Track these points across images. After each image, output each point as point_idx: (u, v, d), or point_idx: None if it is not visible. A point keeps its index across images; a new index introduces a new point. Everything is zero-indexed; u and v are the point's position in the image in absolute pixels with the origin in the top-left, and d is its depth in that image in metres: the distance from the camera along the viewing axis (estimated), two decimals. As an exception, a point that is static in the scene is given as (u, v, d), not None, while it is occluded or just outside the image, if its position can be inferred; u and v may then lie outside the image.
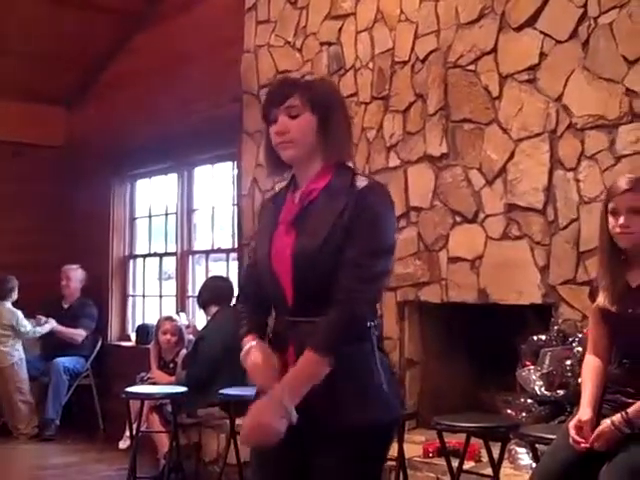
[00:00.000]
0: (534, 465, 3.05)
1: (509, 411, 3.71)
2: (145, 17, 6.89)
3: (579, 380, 3.08)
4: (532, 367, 3.68)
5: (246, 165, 5.64)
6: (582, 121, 3.77)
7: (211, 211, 6.62)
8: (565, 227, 3.83)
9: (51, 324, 6.84)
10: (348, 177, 2.05)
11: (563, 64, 3.85)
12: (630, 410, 2.57)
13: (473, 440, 3.49)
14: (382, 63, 4.72)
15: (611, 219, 2.69)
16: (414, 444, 4.08)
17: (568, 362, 3.52)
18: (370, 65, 4.80)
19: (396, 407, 2.05)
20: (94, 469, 5.55)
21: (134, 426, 4.74)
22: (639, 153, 3.55)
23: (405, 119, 4.59)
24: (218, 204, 6.54)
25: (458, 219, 4.31)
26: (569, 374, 3.48)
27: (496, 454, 3.33)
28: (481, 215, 4.20)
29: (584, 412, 2.64)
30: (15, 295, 6.80)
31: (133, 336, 6.98)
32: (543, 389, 3.58)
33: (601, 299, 2.72)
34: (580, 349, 3.42)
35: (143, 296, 7.43)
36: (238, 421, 4.39)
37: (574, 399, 3.23)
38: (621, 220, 2.65)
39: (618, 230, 2.66)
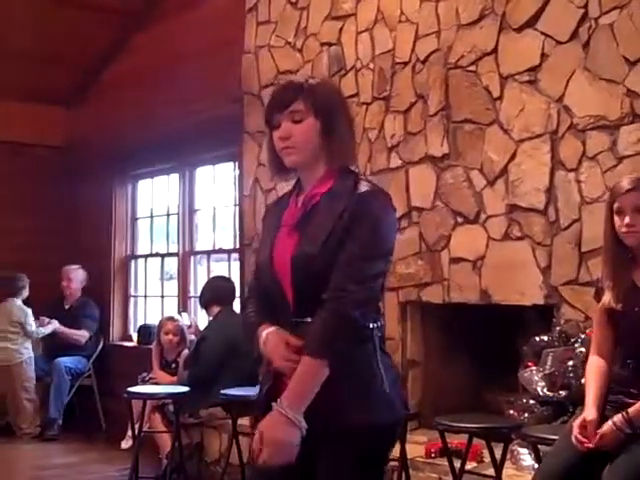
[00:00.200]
0: (536, 466, 3.05)
1: (511, 412, 3.71)
2: (145, 17, 6.89)
3: (581, 381, 3.10)
4: (534, 368, 3.68)
5: (247, 165, 5.64)
6: (583, 122, 3.77)
7: (213, 211, 6.62)
8: (567, 228, 3.83)
9: (54, 325, 6.85)
10: (351, 181, 2.06)
11: (564, 65, 3.86)
12: (631, 410, 2.58)
13: (475, 440, 3.50)
14: (383, 64, 4.73)
15: (617, 219, 2.71)
16: (416, 444, 4.08)
17: (570, 363, 3.52)
18: (371, 66, 4.80)
19: (398, 408, 2.05)
20: (96, 469, 5.55)
21: (136, 426, 4.75)
22: (640, 154, 3.56)
23: (406, 120, 4.59)
24: (220, 204, 6.55)
25: (460, 220, 4.31)
26: (571, 375, 3.49)
27: (498, 455, 3.33)
28: (482, 216, 4.20)
29: (589, 412, 2.64)
30: (26, 293, 6.84)
31: (135, 336, 6.99)
32: (545, 390, 3.58)
33: (606, 299, 2.73)
34: (582, 350, 3.43)
35: (145, 296, 7.44)
36: (240, 421, 4.40)
37: (576, 400, 3.24)
38: (627, 220, 2.67)
39: (624, 230, 2.68)
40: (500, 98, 4.13)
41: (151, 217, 7.40)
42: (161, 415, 5.12)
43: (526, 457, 3.51)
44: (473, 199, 4.24)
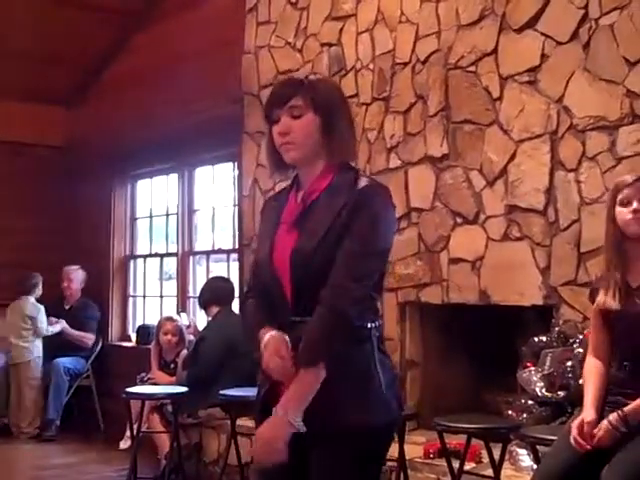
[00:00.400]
0: (535, 466, 3.05)
1: (510, 412, 3.71)
2: (145, 17, 6.89)
3: (580, 381, 3.09)
4: (533, 368, 3.68)
5: (247, 165, 5.64)
6: (583, 122, 3.77)
7: (212, 212, 6.62)
8: (566, 228, 3.83)
9: (61, 325, 6.88)
10: (351, 177, 2.05)
11: (564, 65, 3.86)
12: (627, 409, 2.58)
13: (474, 441, 3.49)
14: (383, 64, 4.73)
15: (621, 210, 2.72)
16: (415, 445, 4.08)
17: (569, 363, 3.52)
18: (371, 66, 4.80)
19: (395, 409, 2.04)
20: (94, 469, 5.55)
21: (135, 426, 4.74)
22: (640, 154, 3.56)
23: (406, 120, 4.59)
24: (219, 204, 6.55)
25: (459, 220, 4.31)
26: (570, 375, 3.49)
27: (497, 455, 3.33)
28: (482, 216, 4.20)
29: (588, 413, 2.64)
30: (39, 291, 6.89)
31: (134, 336, 6.99)
32: (544, 390, 3.58)
33: (602, 300, 2.73)
34: (581, 350, 3.42)
35: (144, 296, 7.44)
36: (239, 422, 4.39)
37: (575, 400, 3.24)
38: (634, 205, 2.69)
39: (630, 217, 2.69)
40: (500, 99, 4.13)
41: (150, 217, 7.40)
42: (160, 415, 5.12)
43: (525, 458, 3.51)
44: (472, 199, 4.24)
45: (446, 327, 4.64)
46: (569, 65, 3.83)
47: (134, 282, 7.47)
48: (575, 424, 2.64)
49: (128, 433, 5.22)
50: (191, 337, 5.69)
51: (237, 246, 6.05)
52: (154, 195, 7.35)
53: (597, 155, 3.71)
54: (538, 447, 3.07)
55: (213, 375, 4.92)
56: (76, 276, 7.19)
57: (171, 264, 7.10)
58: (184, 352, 5.47)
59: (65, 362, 6.78)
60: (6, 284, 6.92)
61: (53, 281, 7.08)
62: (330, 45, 5.08)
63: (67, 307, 7.15)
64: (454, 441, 3.67)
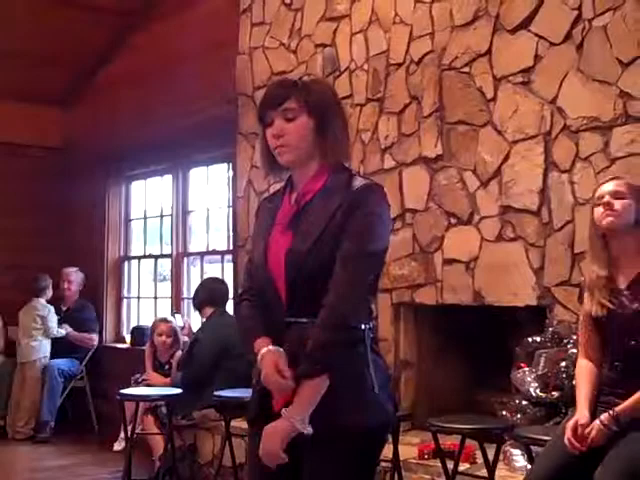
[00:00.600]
0: (529, 467, 3.05)
1: (504, 412, 3.71)
2: (140, 18, 6.88)
3: (574, 382, 3.09)
4: (527, 369, 3.68)
5: (241, 167, 5.64)
6: (577, 123, 3.78)
7: (206, 213, 6.62)
8: (560, 229, 3.83)
9: (67, 329, 6.91)
10: (345, 177, 2.05)
11: (557, 66, 3.86)
12: (618, 408, 2.59)
13: (468, 441, 3.49)
14: (377, 65, 4.73)
15: (597, 209, 2.75)
16: (409, 445, 4.09)
17: (563, 364, 3.52)
18: (365, 67, 4.81)
19: (388, 410, 2.04)
20: (89, 471, 5.54)
21: (129, 428, 4.73)
22: (633, 155, 3.56)
23: (400, 121, 4.59)
24: (213, 206, 6.54)
25: (453, 221, 4.31)
26: (564, 376, 3.49)
27: (491, 456, 3.33)
28: (476, 217, 4.20)
29: (582, 414, 2.65)
30: (49, 292, 6.98)
31: (128, 338, 6.99)
32: (538, 391, 3.58)
33: (590, 302, 2.74)
34: (575, 351, 3.42)
35: (138, 298, 7.43)
36: (233, 423, 4.39)
37: (569, 400, 3.24)
38: (606, 199, 2.72)
39: (601, 211, 2.72)
40: (494, 99, 4.14)
41: (144, 218, 7.39)
42: (154, 417, 5.11)
43: (519, 458, 3.51)
44: (466, 200, 4.25)
45: (440, 328, 4.64)
46: (563, 66, 3.84)
47: (128, 283, 7.47)
48: (569, 425, 2.64)
49: (122, 435, 5.22)
50: (185, 338, 5.69)
51: (231, 247, 6.05)
52: (148, 196, 7.35)
53: (591, 156, 3.72)
54: (532, 447, 3.07)
55: (207, 376, 4.91)
56: (76, 278, 7.22)
57: (165, 265, 7.10)
58: (178, 353, 5.47)
59: (59, 363, 6.77)
60: (-1, 285, 6.95)
61: (48, 283, 7.09)
62: (324, 46, 5.08)
63: (64, 308, 7.15)
64: (448, 442, 3.67)
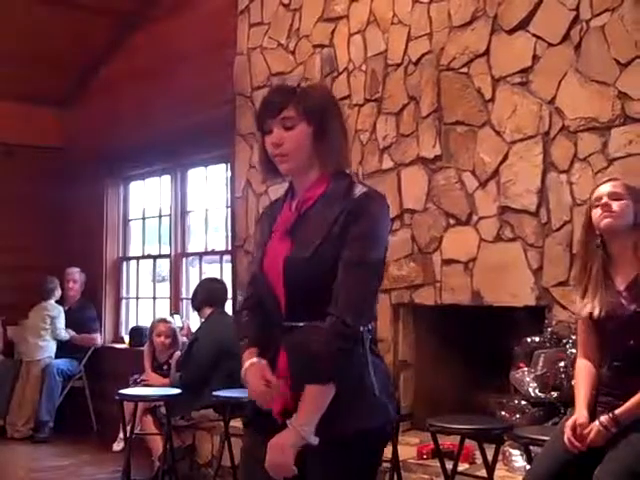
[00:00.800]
0: (528, 467, 3.06)
1: (503, 413, 3.72)
2: (139, 19, 6.88)
3: (573, 382, 3.10)
4: (526, 369, 3.69)
5: (239, 167, 5.64)
6: (575, 123, 3.78)
7: (205, 213, 6.62)
8: (558, 229, 3.84)
9: (70, 332, 6.93)
10: (345, 184, 2.05)
11: (556, 67, 3.87)
12: (618, 411, 2.59)
13: (467, 442, 3.50)
14: (375, 65, 4.73)
15: (594, 210, 2.76)
16: (408, 446, 4.09)
17: (562, 364, 3.53)
18: (363, 67, 4.81)
19: (388, 412, 2.03)
20: (88, 472, 5.54)
21: (128, 428, 4.73)
22: (631, 155, 3.57)
23: (398, 121, 4.60)
24: (212, 206, 6.54)
25: (452, 221, 4.32)
26: (563, 376, 3.50)
27: (490, 456, 3.33)
28: (474, 217, 4.21)
29: (580, 414, 2.65)
30: (58, 293, 7.03)
31: (127, 338, 6.98)
32: (537, 391, 3.59)
33: (587, 305, 2.74)
34: (573, 351, 3.43)
35: (137, 298, 7.43)
36: (232, 423, 4.39)
37: (568, 401, 3.24)
38: (604, 200, 2.72)
39: (599, 212, 2.72)
40: (492, 100, 4.14)
41: (143, 219, 7.39)
42: (153, 417, 5.12)
43: (518, 458, 3.52)
44: (465, 201, 4.25)
45: (439, 328, 4.64)
46: (561, 66, 3.84)
47: (127, 284, 7.47)
48: (568, 425, 2.65)
49: (121, 435, 5.22)
50: (184, 339, 5.69)
51: (230, 247, 6.05)
52: (147, 196, 7.34)
53: (589, 156, 3.73)
54: (531, 448, 3.08)
55: (206, 376, 4.91)
56: (80, 277, 7.24)
57: (164, 266, 7.10)
58: (177, 354, 5.47)
59: (58, 363, 6.78)
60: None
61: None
62: (322, 46, 5.08)
63: (66, 308, 7.15)
64: (447, 442, 3.67)
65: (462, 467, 3.59)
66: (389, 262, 4.45)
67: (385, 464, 3.60)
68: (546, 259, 3.88)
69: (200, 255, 6.72)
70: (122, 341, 7.15)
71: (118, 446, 5.70)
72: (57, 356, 6.82)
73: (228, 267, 6.12)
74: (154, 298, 7.16)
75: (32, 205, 7.58)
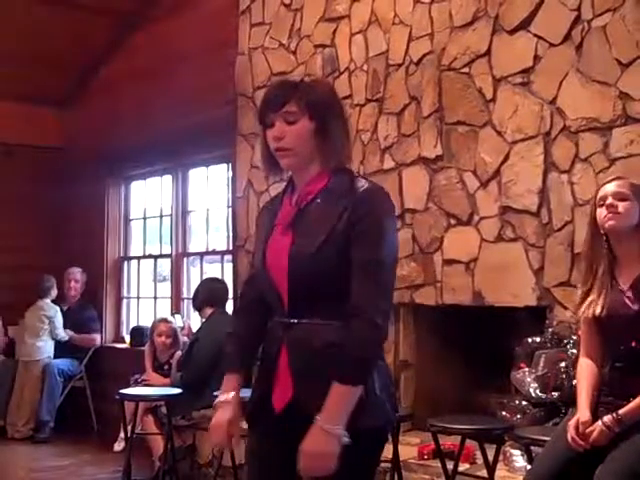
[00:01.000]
0: (529, 467, 3.06)
1: (504, 413, 3.71)
2: (139, 18, 6.88)
3: (574, 382, 3.10)
4: (527, 369, 3.68)
5: (241, 167, 5.64)
6: (576, 124, 3.78)
7: (206, 213, 6.62)
8: (559, 229, 3.84)
9: (69, 334, 6.92)
10: (347, 179, 2.05)
11: (557, 67, 3.86)
12: (621, 411, 2.58)
13: (468, 442, 3.50)
14: (376, 65, 4.73)
15: (599, 210, 2.75)
16: (409, 446, 4.09)
17: (563, 364, 3.53)
18: (364, 67, 4.81)
19: (388, 412, 2.03)
20: (88, 471, 5.54)
21: (128, 428, 4.74)
22: (633, 156, 3.57)
23: (399, 121, 4.60)
24: (213, 206, 6.54)
25: (453, 221, 4.32)
26: (564, 376, 3.50)
27: (491, 456, 3.33)
28: (475, 217, 4.21)
29: (583, 414, 2.65)
30: (54, 292, 7.01)
31: (128, 338, 6.98)
32: (538, 391, 3.59)
33: (591, 304, 2.74)
34: (575, 351, 3.43)
35: (138, 298, 7.43)
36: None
37: (569, 401, 3.25)
38: (609, 200, 2.71)
39: (605, 213, 2.71)
40: (493, 100, 4.14)
41: (144, 218, 7.39)
42: (153, 417, 5.12)
43: (519, 458, 3.51)
44: (466, 201, 4.25)
45: (440, 328, 4.64)
46: (562, 66, 3.84)
47: (128, 283, 7.47)
48: (571, 424, 2.65)
49: (122, 435, 5.22)
50: (185, 338, 5.69)
51: (231, 247, 6.05)
52: (148, 196, 7.34)
53: (590, 156, 3.72)
54: (532, 448, 3.08)
55: (207, 376, 4.91)
56: (82, 277, 7.25)
57: (165, 265, 7.10)
58: (178, 353, 5.47)
59: (59, 363, 6.78)
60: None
61: (46, 282, 7.09)
62: (324, 46, 5.08)
63: (65, 308, 7.15)
64: (448, 442, 3.67)
65: (463, 467, 3.58)
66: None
67: (386, 464, 3.60)
68: (547, 259, 3.88)
69: (201, 255, 6.72)
70: (123, 341, 7.15)
71: (119, 446, 5.69)
72: (58, 356, 6.81)
73: (229, 267, 6.12)
74: (155, 298, 7.16)
75: (32, 205, 7.58)
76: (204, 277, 6.32)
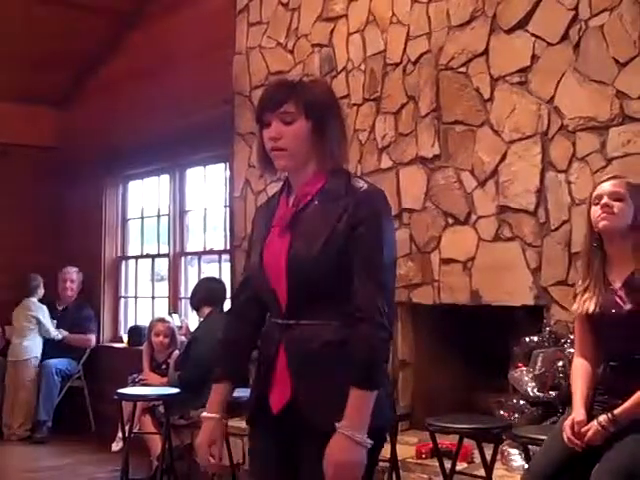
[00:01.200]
0: (526, 466, 3.06)
1: (502, 412, 3.72)
2: (136, 17, 6.88)
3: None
4: (524, 368, 3.69)
5: (238, 166, 5.64)
6: (573, 123, 3.78)
7: (203, 212, 6.62)
8: (557, 229, 3.84)
9: (62, 333, 6.91)
10: (344, 180, 2.04)
11: (554, 66, 3.87)
12: (617, 411, 2.59)
13: (466, 441, 3.50)
14: (374, 65, 4.73)
15: (594, 209, 2.74)
16: (407, 445, 4.09)
17: (560, 363, 3.53)
18: (362, 67, 4.81)
19: (385, 413, 2.04)
20: (86, 471, 5.54)
21: (126, 428, 4.73)
22: (630, 155, 3.57)
23: (397, 121, 4.60)
24: (210, 205, 6.54)
25: (450, 221, 4.32)
26: (561, 375, 3.50)
27: (489, 455, 3.33)
28: (473, 217, 4.21)
29: (578, 413, 2.65)
30: (41, 291, 7.00)
31: (125, 338, 6.97)
32: (535, 390, 3.59)
33: (585, 303, 2.74)
34: (572, 350, 3.42)
35: (135, 297, 7.42)
36: (231, 422, 4.38)
37: (566, 400, 3.24)
38: (604, 200, 2.71)
39: (599, 212, 2.71)
40: (491, 99, 4.14)
41: (142, 218, 7.38)
42: (151, 417, 5.11)
43: (516, 458, 3.52)
44: (464, 200, 4.25)
45: (438, 328, 4.64)
46: (559, 66, 3.85)
47: (125, 283, 7.46)
48: (567, 424, 2.65)
49: (120, 434, 5.21)
50: (183, 338, 5.69)
51: (229, 247, 6.05)
52: (145, 196, 7.34)
53: (587, 156, 3.73)
54: (530, 447, 3.08)
55: (204, 376, 4.84)
56: (78, 277, 7.24)
57: (163, 265, 7.09)
58: (176, 353, 5.46)
59: (56, 363, 6.77)
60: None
61: (44, 283, 7.07)
62: (321, 46, 5.08)
63: (60, 308, 7.15)
64: (446, 441, 3.68)
65: (461, 466, 3.59)
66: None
67: (384, 463, 3.60)
68: (544, 259, 3.88)
69: (199, 254, 6.71)
70: (121, 340, 7.14)
71: (117, 446, 5.67)
72: (55, 356, 6.79)
73: (227, 266, 6.12)
74: (153, 297, 7.16)
75: (30, 205, 7.57)
76: (202, 277, 6.32)
